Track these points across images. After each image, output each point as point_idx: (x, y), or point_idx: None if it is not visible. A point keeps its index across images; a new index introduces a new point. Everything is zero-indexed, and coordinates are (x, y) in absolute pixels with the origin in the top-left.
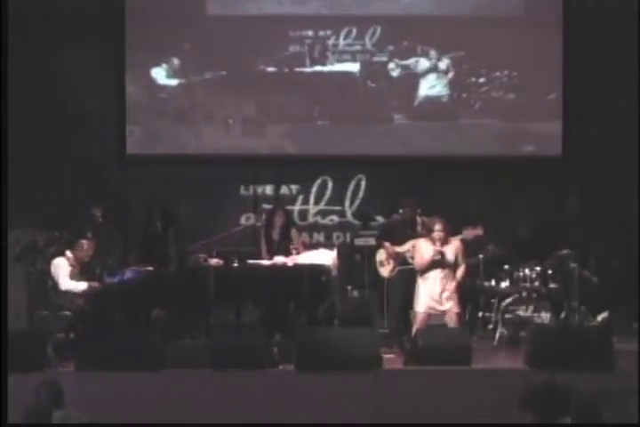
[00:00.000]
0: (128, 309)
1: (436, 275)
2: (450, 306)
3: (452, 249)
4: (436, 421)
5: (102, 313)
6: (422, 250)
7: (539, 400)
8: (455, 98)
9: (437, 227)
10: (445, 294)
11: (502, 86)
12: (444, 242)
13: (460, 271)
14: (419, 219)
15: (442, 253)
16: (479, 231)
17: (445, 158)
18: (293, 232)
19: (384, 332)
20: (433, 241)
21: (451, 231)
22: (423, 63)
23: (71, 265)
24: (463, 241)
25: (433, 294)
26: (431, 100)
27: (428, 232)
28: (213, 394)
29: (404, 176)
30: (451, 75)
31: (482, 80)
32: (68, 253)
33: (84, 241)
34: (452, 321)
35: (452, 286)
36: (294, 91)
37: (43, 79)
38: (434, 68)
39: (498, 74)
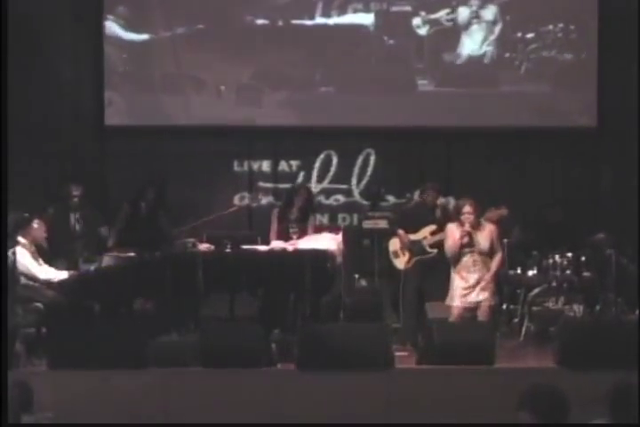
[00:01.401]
0: (107, 300)
1: (470, 263)
2: (484, 298)
3: (486, 234)
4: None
5: (78, 305)
6: (454, 234)
7: (537, 400)
8: (495, 59)
9: (466, 209)
10: (481, 284)
11: (556, 44)
12: (475, 226)
13: (498, 259)
14: (440, 201)
15: (470, 235)
16: (503, 211)
17: (465, 129)
18: (311, 216)
19: (396, 327)
20: (462, 225)
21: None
22: (455, 15)
23: (30, 251)
24: (497, 224)
25: (467, 285)
26: (465, 62)
27: (457, 215)
28: (203, 396)
29: (418, 150)
30: (491, 29)
31: (530, 36)
32: (21, 238)
33: (34, 221)
34: (484, 314)
35: (488, 275)
36: (292, 49)
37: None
38: (469, 21)
39: (551, 28)
